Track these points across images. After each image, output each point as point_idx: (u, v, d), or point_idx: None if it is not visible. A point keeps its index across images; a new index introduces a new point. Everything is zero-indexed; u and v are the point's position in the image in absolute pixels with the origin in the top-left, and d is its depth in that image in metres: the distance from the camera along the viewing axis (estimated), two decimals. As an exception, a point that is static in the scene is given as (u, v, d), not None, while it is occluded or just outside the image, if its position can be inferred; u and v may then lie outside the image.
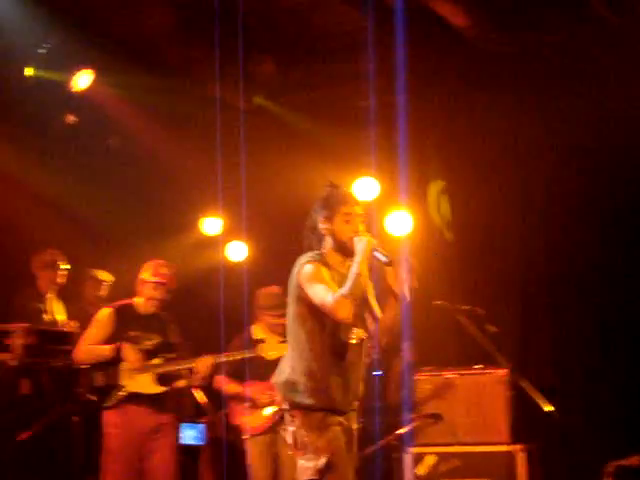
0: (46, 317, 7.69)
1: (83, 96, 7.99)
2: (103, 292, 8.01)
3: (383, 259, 4.55)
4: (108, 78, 8.09)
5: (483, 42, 7.57)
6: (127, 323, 6.34)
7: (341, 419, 4.50)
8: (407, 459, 6.71)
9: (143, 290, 6.46)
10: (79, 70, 7.85)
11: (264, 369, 6.47)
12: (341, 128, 8.82)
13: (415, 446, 6.73)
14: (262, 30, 8.09)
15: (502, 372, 6.74)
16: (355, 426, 4.65)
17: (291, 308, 4.62)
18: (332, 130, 8.82)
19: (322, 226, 4.62)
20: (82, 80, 7.92)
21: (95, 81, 7.97)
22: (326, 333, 4.51)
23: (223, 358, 6.54)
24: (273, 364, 6.54)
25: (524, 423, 6.68)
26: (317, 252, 4.63)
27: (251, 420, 6.88)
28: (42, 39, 7.49)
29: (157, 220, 8.96)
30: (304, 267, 4.55)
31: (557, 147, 8.12)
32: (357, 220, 4.63)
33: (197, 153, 8.67)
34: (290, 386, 4.53)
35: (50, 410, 6.61)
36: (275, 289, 7.05)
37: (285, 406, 4.60)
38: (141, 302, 6.44)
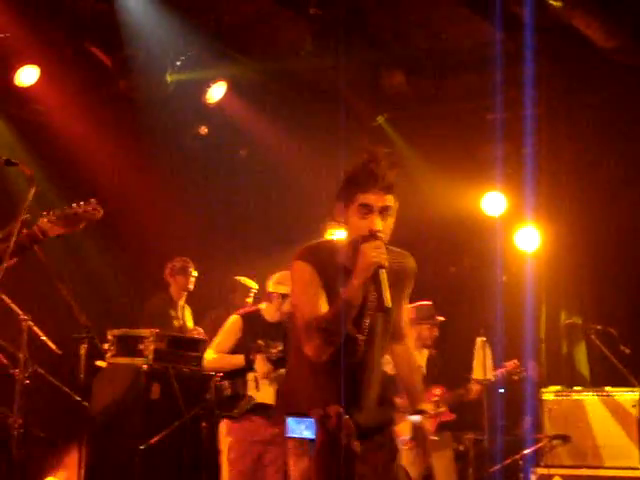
0: (177, 323, 7.85)
1: (216, 108, 8.14)
2: (250, 300, 8.03)
3: (378, 299, 3.42)
4: (240, 91, 8.22)
5: (619, 55, 7.39)
6: (254, 330, 6.35)
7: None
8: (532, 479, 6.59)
9: (269, 299, 6.49)
10: (213, 83, 8.00)
11: None
12: (469, 142, 8.76)
13: (541, 467, 6.60)
14: (393, 44, 8.10)
15: (634, 394, 6.55)
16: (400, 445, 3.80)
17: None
18: (460, 144, 8.76)
19: (337, 211, 3.51)
20: (216, 92, 8.09)
21: (228, 93, 8.12)
22: None
23: None
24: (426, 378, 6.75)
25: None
26: (318, 241, 3.64)
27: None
28: (180, 51, 7.67)
29: (284, 229, 9.05)
30: (292, 264, 3.55)
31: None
32: (376, 216, 3.42)
33: (324, 164, 8.73)
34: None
35: (180, 415, 6.68)
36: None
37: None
38: (268, 309, 6.46)
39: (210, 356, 6.33)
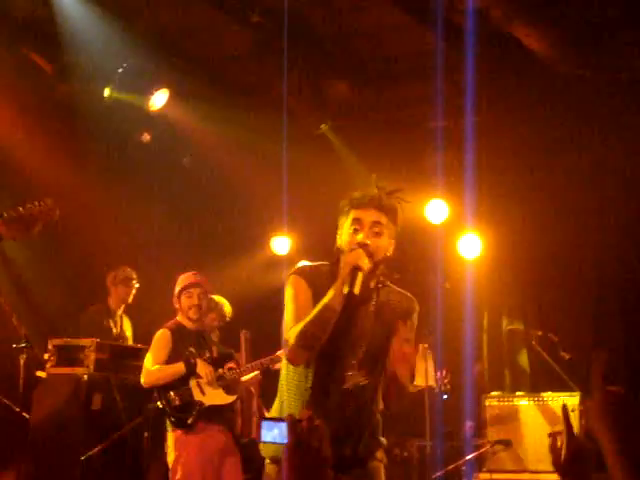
0: (115, 331, 7.77)
1: (158, 115, 8.09)
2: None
3: (350, 287, 3.51)
4: (183, 98, 8.18)
5: (558, 64, 7.50)
6: (183, 339, 6.34)
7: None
8: (475, 485, 6.65)
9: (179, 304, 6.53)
10: (156, 90, 7.96)
11: None
12: (412, 150, 8.82)
13: (484, 472, 6.66)
14: (336, 52, 8.12)
15: (574, 399, 6.64)
16: None
17: None
18: (403, 152, 8.81)
19: (338, 232, 3.69)
20: (158, 99, 8.04)
21: (170, 101, 8.08)
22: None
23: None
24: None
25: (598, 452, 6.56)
26: (320, 263, 3.73)
27: None
28: (120, 59, 7.61)
29: (228, 239, 9.02)
30: (288, 278, 3.71)
31: (632, 170, 8.00)
32: (366, 231, 3.59)
33: (267, 172, 8.72)
34: None
35: (121, 425, 6.62)
36: None
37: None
38: (183, 318, 6.43)
39: (149, 369, 6.27)
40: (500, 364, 7.81)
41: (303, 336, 3.50)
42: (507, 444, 6.66)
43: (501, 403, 6.85)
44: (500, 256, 8.15)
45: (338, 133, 9.10)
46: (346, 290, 3.50)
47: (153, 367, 6.25)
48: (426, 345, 7.07)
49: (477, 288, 7.93)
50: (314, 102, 8.22)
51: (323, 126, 8.98)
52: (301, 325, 3.51)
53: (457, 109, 8.01)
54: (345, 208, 3.66)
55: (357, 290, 3.49)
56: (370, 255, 3.57)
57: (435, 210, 8.33)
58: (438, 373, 6.95)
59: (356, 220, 3.60)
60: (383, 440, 3.81)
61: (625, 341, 7.94)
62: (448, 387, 7.01)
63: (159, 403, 6.22)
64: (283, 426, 3.50)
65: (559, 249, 8.01)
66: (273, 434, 3.58)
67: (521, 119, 8.31)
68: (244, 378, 6.51)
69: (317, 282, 3.63)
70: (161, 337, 6.35)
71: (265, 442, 3.53)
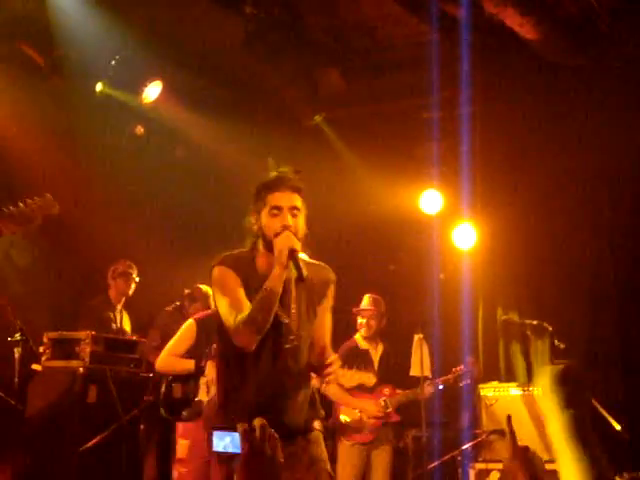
0: (114, 326, 7.78)
1: (152, 107, 8.08)
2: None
3: (297, 272, 3.74)
4: (176, 90, 8.17)
5: (552, 54, 7.49)
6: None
7: None
8: (471, 475, 6.65)
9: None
10: (149, 82, 7.94)
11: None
12: (406, 141, 8.81)
13: (480, 462, 6.67)
14: (330, 43, 8.11)
15: (569, 389, 6.64)
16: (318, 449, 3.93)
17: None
18: (397, 143, 8.81)
19: (251, 221, 3.88)
20: (152, 92, 8.03)
21: (163, 93, 8.06)
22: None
23: None
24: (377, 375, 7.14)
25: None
26: (239, 250, 3.90)
27: (357, 430, 7.14)
28: (113, 52, 7.60)
29: (223, 229, 8.99)
30: (212, 270, 3.83)
31: (625, 160, 7.99)
32: (286, 213, 3.78)
33: (260, 164, 8.70)
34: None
35: (116, 418, 6.62)
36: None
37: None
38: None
39: (162, 358, 6.37)
40: (495, 354, 7.81)
41: (254, 322, 3.66)
42: (503, 434, 6.66)
43: (497, 393, 6.86)
44: (495, 246, 8.13)
45: (332, 124, 9.10)
46: (294, 274, 3.72)
47: (169, 357, 6.34)
48: (421, 335, 7.09)
49: (472, 278, 7.93)
50: (308, 93, 8.21)
51: (317, 117, 8.98)
52: (247, 313, 3.67)
53: (451, 99, 8.01)
54: (261, 193, 3.83)
55: (305, 272, 3.73)
56: (294, 235, 3.78)
57: (430, 200, 8.31)
58: (467, 358, 7.04)
59: (274, 207, 3.79)
60: (321, 411, 4.05)
61: (621, 330, 7.95)
62: (468, 381, 7.11)
63: (163, 387, 6.26)
64: (235, 435, 3.56)
65: (554, 238, 8.00)
66: (225, 443, 3.63)
67: (515, 109, 8.29)
68: None
69: (242, 269, 3.78)
70: (186, 329, 6.40)
71: (218, 452, 3.66)
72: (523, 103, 8.18)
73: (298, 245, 3.74)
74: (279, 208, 3.78)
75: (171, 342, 6.41)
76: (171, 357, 6.35)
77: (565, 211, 8.09)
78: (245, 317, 3.66)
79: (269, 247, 3.79)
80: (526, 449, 3.33)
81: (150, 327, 7.74)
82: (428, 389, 7.03)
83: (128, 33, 7.53)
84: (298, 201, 3.83)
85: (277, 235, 3.74)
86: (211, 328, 6.24)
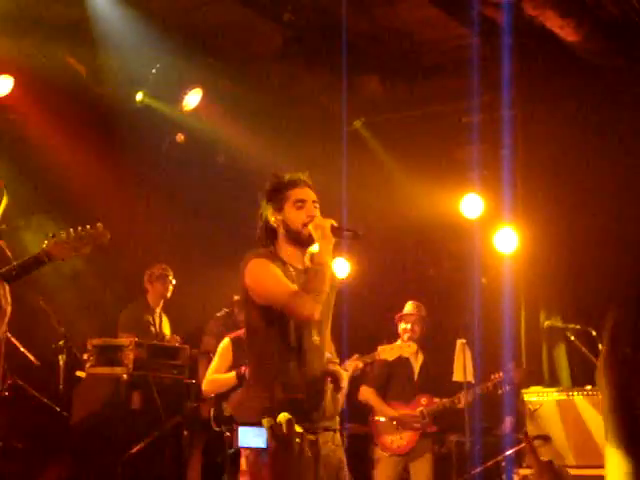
0: (153, 329, 7.84)
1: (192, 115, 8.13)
2: None
3: (351, 234, 3.99)
4: (216, 97, 8.22)
5: (593, 56, 7.42)
6: (244, 351, 6.32)
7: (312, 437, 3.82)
8: (515, 480, 6.61)
9: None
10: (189, 90, 8.00)
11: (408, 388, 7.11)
12: (446, 145, 8.78)
13: (523, 468, 6.62)
14: (368, 48, 8.11)
15: (614, 394, 6.57)
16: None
17: (241, 316, 4.08)
18: (437, 147, 8.78)
19: (272, 219, 3.98)
20: (192, 99, 8.09)
21: (203, 100, 8.11)
22: (288, 337, 3.88)
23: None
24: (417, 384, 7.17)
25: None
26: (265, 248, 4.00)
27: (395, 440, 7.10)
28: (154, 60, 7.66)
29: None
30: (248, 264, 3.90)
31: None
32: (310, 205, 3.97)
33: (301, 170, 8.71)
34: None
35: (160, 424, 6.66)
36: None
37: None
38: None
39: (206, 380, 6.43)
40: (538, 359, 7.74)
41: (314, 289, 3.79)
42: (546, 439, 6.61)
43: (540, 398, 6.79)
44: (537, 250, 8.06)
45: (371, 130, 9.09)
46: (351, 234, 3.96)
47: (210, 376, 6.39)
48: (464, 340, 7.05)
49: (514, 283, 7.88)
50: (347, 99, 8.20)
51: (356, 122, 8.98)
52: (305, 284, 3.81)
53: (492, 103, 7.97)
54: (282, 190, 3.97)
55: (360, 231, 3.98)
56: None
57: (470, 205, 8.26)
58: (507, 364, 7.00)
59: (299, 200, 3.95)
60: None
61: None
62: (507, 388, 7.08)
63: (212, 410, 6.28)
64: (262, 431, 3.58)
65: (596, 242, 7.92)
66: (251, 439, 3.63)
67: (556, 112, 8.22)
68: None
69: (275, 262, 3.90)
70: (222, 348, 6.44)
71: (243, 447, 3.69)
72: (564, 106, 8.11)
73: (334, 222, 3.91)
74: (303, 201, 3.95)
75: (212, 363, 6.45)
76: (212, 376, 6.38)
77: (607, 214, 8.00)
78: (307, 286, 3.80)
79: (295, 239, 3.95)
80: (551, 463, 3.33)
81: (202, 334, 7.79)
82: (466, 397, 7.00)
83: (168, 41, 7.57)
84: (315, 196, 4.02)
85: (305, 224, 3.91)
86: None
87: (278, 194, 3.97)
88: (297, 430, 3.64)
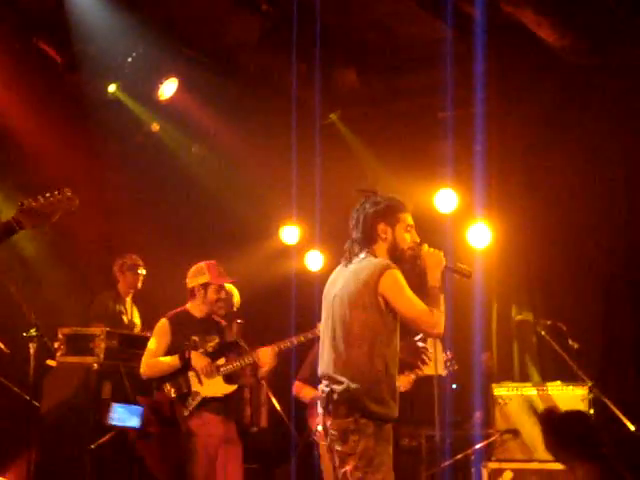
0: (125, 318, 7.81)
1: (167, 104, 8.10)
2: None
3: (462, 272, 4.67)
4: (192, 87, 8.19)
5: (568, 54, 7.46)
6: (185, 329, 6.25)
7: None
8: (484, 474, 6.64)
9: (192, 295, 6.40)
10: (165, 79, 7.96)
11: None
12: (421, 139, 8.80)
13: (492, 461, 6.67)
14: (345, 42, 8.11)
15: (583, 389, 6.64)
16: None
17: (353, 313, 4.34)
18: (411, 141, 8.80)
19: (381, 230, 4.50)
20: (167, 88, 8.05)
21: (179, 90, 8.08)
22: (395, 343, 4.43)
23: (282, 345, 6.43)
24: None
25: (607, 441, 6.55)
26: (384, 260, 4.48)
27: None
28: (130, 49, 7.62)
29: (237, 227, 9.01)
30: (387, 273, 4.38)
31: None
32: (415, 232, 4.62)
33: (276, 162, 8.72)
34: (365, 393, 4.27)
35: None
36: None
37: (355, 414, 4.29)
38: (194, 305, 6.36)
39: (146, 363, 6.26)
40: (509, 354, 7.79)
41: (442, 313, 4.44)
42: (516, 433, 6.66)
43: (510, 393, 6.84)
44: (510, 245, 8.12)
45: (347, 122, 9.10)
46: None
47: (150, 359, 6.23)
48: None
49: (487, 278, 7.92)
50: (323, 91, 8.21)
51: (332, 115, 8.98)
52: (437, 307, 4.43)
53: (466, 98, 7.99)
54: (397, 212, 4.54)
55: (468, 271, 4.72)
56: None
57: (444, 199, 8.31)
58: (445, 354, 6.95)
59: (410, 223, 4.58)
60: None
61: (635, 330, 7.93)
62: (456, 367, 7.00)
63: (154, 394, 6.22)
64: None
65: (569, 238, 7.98)
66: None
67: (531, 108, 8.27)
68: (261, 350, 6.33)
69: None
70: (159, 328, 6.30)
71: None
72: (538, 102, 8.16)
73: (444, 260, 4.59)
74: (412, 226, 4.58)
75: (149, 345, 6.29)
76: (153, 359, 6.23)
77: (580, 210, 8.07)
78: (439, 310, 4.41)
79: (395, 255, 4.50)
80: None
81: None
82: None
83: (145, 30, 7.54)
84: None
85: (411, 248, 4.54)
86: (184, 322, 6.26)
87: (394, 213, 4.52)
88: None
